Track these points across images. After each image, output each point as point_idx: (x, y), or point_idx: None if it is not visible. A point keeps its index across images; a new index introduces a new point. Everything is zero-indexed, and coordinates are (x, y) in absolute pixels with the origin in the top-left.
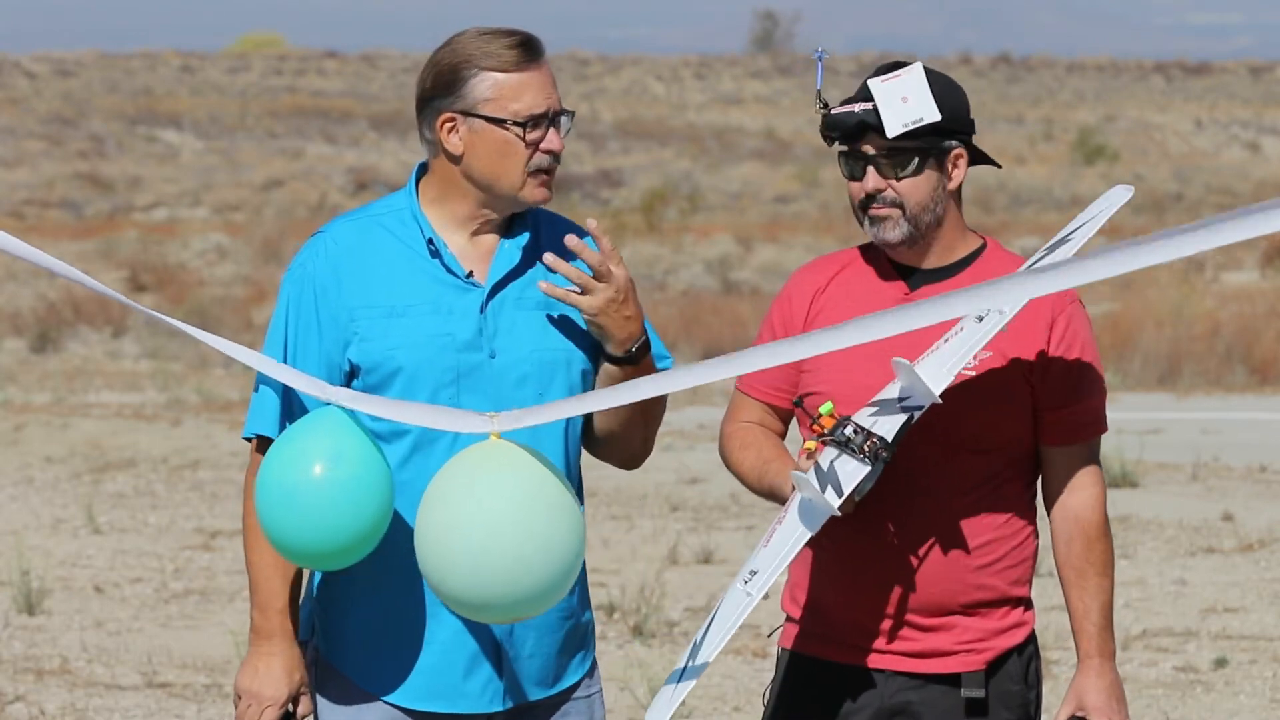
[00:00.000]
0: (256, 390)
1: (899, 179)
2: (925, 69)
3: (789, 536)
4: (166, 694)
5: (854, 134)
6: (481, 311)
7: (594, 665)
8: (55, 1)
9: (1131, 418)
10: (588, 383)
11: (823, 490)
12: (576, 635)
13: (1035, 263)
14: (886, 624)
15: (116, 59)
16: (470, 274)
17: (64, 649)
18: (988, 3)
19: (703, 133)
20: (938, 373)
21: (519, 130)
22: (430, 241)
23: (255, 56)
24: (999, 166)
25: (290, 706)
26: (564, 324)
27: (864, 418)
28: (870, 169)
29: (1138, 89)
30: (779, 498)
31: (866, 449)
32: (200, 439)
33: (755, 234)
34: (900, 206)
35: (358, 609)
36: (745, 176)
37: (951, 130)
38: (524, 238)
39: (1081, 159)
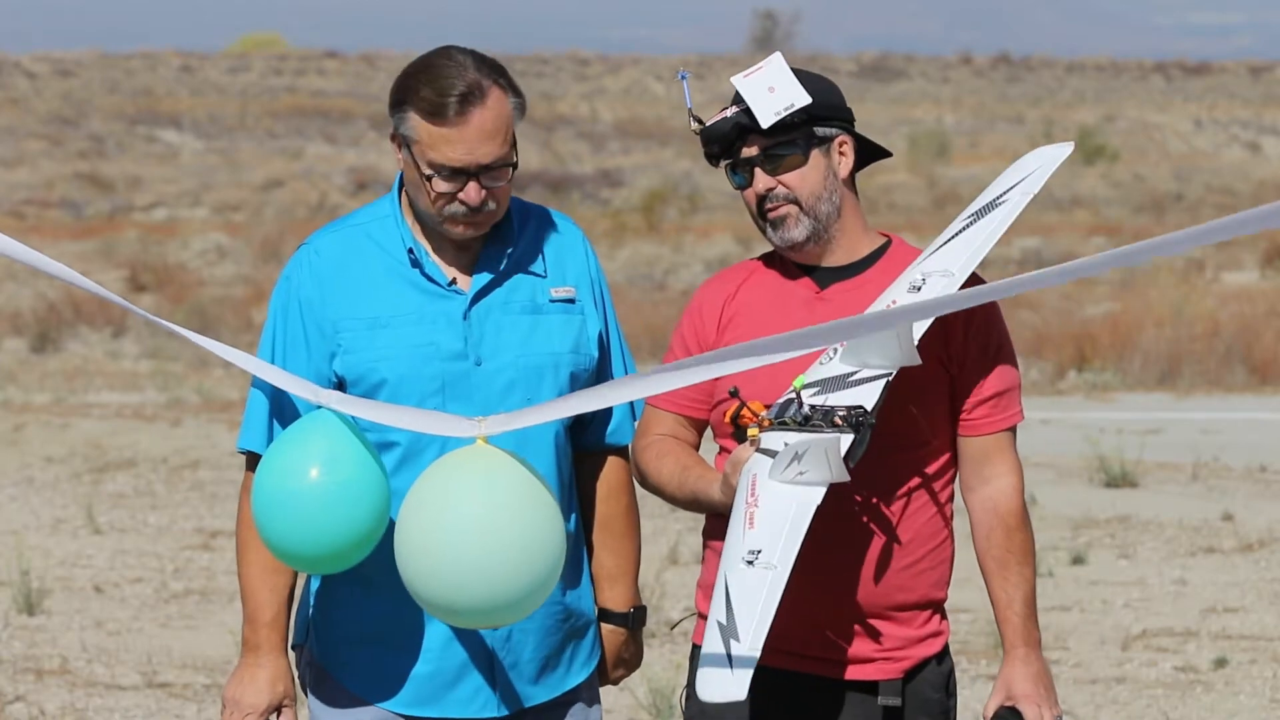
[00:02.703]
0: (250, 402)
1: (785, 172)
2: (784, 60)
3: (784, 511)
4: (166, 694)
5: (732, 140)
6: (465, 319)
7: (596, 669)
8: (55, 1)
9: (1131, 418)
10: (576, 386)
11: (802, 467)
12: (578, 637)
13: (961, 230)
14: (808, 626)
15: (116, 59)
16: (453, 281)
17: (64, 649)
18: (988, 3)
19: None
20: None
21: (428, 183)
22: (410, 251)
23: (255, 56)
24: (889, 155)
25: (273, 717)
26: (550, 327)
27: (811, 398)
28: (756, 170)
29: (1138, 89)
30: (701, 503)
31: (840, 421)
32: (200, 439)
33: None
34: (795, 202)
35: (351, 613)
36: None
37: (827, 117)
38: (508, 240)
39: (1081, 159)
